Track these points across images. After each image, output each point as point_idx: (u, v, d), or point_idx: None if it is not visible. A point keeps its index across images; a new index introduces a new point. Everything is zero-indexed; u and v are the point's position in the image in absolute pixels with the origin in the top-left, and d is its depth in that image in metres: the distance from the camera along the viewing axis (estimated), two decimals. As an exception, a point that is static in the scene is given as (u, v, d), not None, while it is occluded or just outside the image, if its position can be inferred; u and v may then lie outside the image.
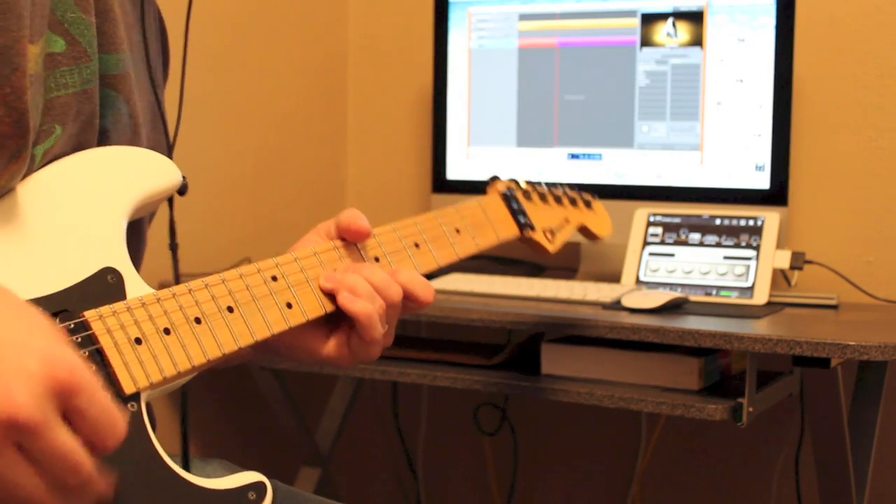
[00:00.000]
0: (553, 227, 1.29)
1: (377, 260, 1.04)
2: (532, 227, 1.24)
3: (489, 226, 1.18)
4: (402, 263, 1.06)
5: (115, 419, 0.70)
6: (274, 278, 0.95)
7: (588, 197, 1.41)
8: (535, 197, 1.29)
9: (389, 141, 2.37)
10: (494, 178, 1.27)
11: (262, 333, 0.92)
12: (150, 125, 1.02)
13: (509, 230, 1.22)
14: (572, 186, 1.43)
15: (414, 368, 1.67)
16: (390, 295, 0.98)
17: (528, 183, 1.30)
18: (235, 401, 2.16)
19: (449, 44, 2.05)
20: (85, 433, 0.69)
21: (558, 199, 1.33)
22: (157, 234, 1.08)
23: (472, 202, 1.18)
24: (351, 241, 1.03)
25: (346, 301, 0.96)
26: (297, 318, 0.95)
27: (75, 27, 0.91)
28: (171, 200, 1.01)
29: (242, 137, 2.13)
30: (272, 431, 2.21)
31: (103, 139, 0.96)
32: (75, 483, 0.68)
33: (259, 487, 0.87)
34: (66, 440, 0.67)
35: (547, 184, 1.35)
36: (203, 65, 1.92)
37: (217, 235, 2.07)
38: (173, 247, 1.04)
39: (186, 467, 0.92)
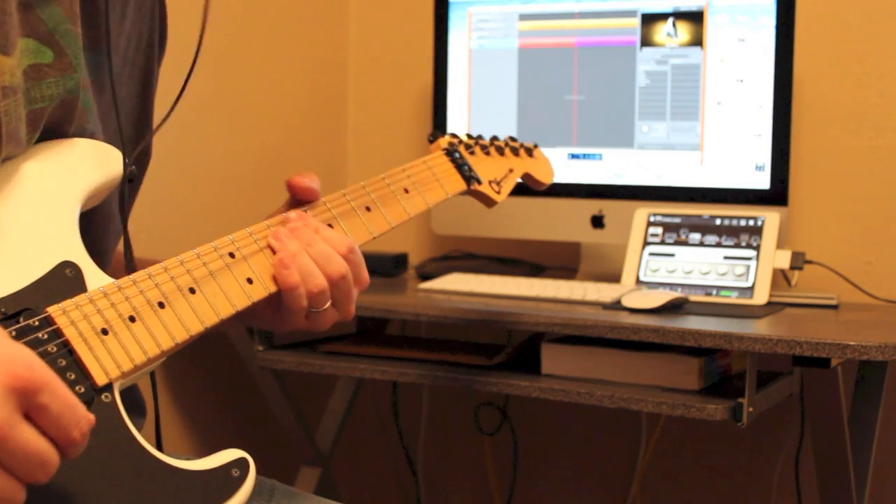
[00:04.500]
0: (498, 178, 1.30)
1: (330, 226, 1.03)
2: (478, 180, 1.25)
3: (436, 182, 1.19)
4: (355, 227, 1.06)
5: (78, 411, 0.70)
6: (231, 255, 0.95)
7: (529, 145, 1.41)
8: (477, 150, 1.29)
9: (389, 141, 2.37)
10: (436, 135, 1.27)
11: (226, 311, 0.92)
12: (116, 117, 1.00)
13: (456, 185, 1.22)
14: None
15: (414, 368, 1.67)
16: (330, 270, 0.97)
17: (470, 136, 1.31)
18: (235, 401, 2.16)
19: (449, 44, 2.05)
20: (49, 428, 0.69)
21: (500, 150, 1.34)
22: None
23: (417, 161, 1.18)
24: (302, 199, 1.03)
25: (279, 275, 0.96)
26: (258, 292, 0.95)
27: (65, 39, 0.90)
28: (122, 203, 0.98)
29: (242, 137, 2.13)
30: (272, 431, 2.20)
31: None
32: (43, 478, 0.68)
33: (241, 463, 0.86)
34: (30, 438, 0.67)
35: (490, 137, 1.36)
36: (203, 64, 1.91)
37: (217, 235, 2.07)
38: (129, 261, 1.01)
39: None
